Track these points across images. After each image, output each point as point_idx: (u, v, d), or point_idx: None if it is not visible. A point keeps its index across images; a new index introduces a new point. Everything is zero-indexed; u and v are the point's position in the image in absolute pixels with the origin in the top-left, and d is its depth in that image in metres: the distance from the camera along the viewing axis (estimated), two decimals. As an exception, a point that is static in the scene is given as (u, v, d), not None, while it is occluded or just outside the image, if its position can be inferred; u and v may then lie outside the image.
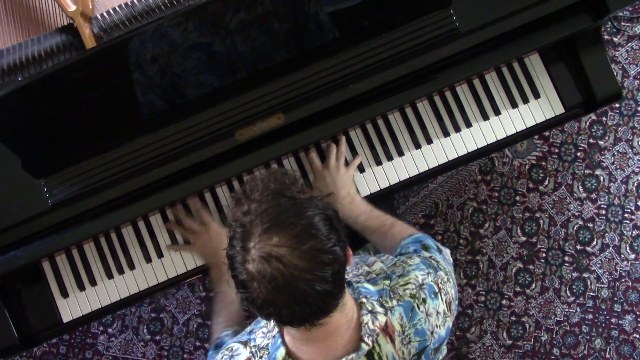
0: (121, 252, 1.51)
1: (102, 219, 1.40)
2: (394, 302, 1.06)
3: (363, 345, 1.01)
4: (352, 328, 1.02)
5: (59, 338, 2.14)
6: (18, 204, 1.36)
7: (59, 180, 1.35)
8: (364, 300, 1.05)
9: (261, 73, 1.34)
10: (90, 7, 1.38)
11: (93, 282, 1.50)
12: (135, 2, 1.38)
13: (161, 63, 1.30)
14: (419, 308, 1.06)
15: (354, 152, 1.52)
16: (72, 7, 1.37)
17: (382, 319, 1.03)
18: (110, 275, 1.50)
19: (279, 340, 1.04)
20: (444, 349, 1.15)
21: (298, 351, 1.03)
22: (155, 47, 1.28)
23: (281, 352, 1.03)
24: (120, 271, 1.50)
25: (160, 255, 1.51)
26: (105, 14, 1.39)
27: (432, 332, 1.08)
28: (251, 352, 1.07)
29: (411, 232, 1.32)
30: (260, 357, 1.05)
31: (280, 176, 0.97)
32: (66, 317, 1.50)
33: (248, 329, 1.15)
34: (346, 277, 1.11)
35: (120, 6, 1.38)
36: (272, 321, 1.06)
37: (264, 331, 1.09)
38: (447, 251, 1.25)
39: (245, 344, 1.09)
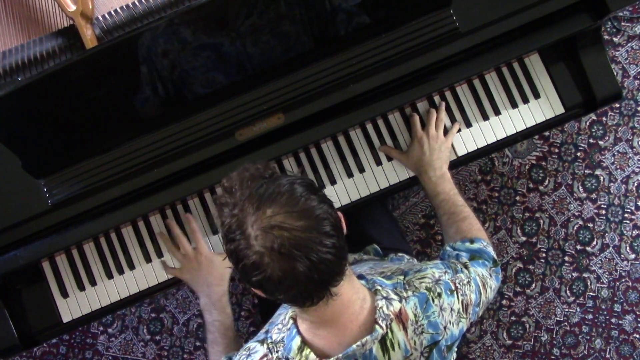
0: (121, 252, 1.51)
1: (102, 219, 1.40)
2: (409, 292, 1.08)
3: (377, 327, 1.02)
4: (366, 310, 1.04)
5: (59, 338, 2.14)
6: (18, 204, 1.36)
7: (59, 180, 1.35)
8: (378, 288, 1.06)
9: (261, 73, 1.34)
10: (90, 7, 1.38)
11: (93, 282, 1.50)
12: (137, 3, 1.38)
13: (161, 63, 1.30)
14: (433, 301, 1.08)
15: (353, 152, 1.52)
16: (72, 7, 1.37)
17: (396, 305, 1.05)
18: (110, 276, 1.50)
19: (294, 331, 1.05)
20: (455, 351, 1.15)
21: (314, 337, 1.04)
22: (155, 47, 1.28)
23: (297, 341, 1.04)
24: (120, 271, 1.50)
25: (160, 255, 1.51)
26: (106, 15, 1.39)
27: (445, 327, 1.08)
28: (268, 348, 1.08)
29: (475, 235, 1.33)
30: (277, 352, 1.06)
31: (252, 165, 1.01)
32: (66, 317, 1.50)
33: (264, 329, 1.16)
34: (360, 272, 1.13)
35: (121, 7, 1.38)
36: (289, 309, 1.08)
37: (279, 327, 1.10)
38: (499, 270, 1.28)
39: (262, 342, 1.10)
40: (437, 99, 1.52)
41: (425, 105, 1.52)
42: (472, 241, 1.29)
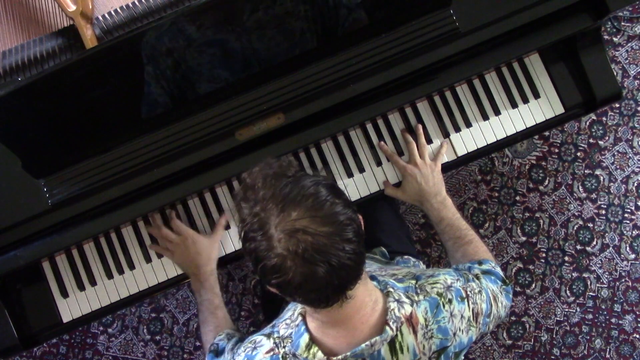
0: (121, 252, 1.51)
1: (102, 219, 1.40)
2: (421, 297, 1.08)
3: (387, 329, 1.02)
4: (377, 311, 1.04)
5: (59, 338, 2.14)
6: (18, 204, 1.36)
7: (59, 180, 1.35)
8: (391, 290, 1.06)
9: (261, 73, 1.34)
10: (90, 7, 1.38)
11: (93, 282, 1.50)
12: (137, 3, 1.38)
13: (161, 63, 1.30)
14: (444, 307, 1.08)
15: (353, 152, 1.52)
16: (72, 7, 1.37)
17: (407, 308, 1.05)
18: (110, 275, 1.50)
19: (303, 328, 1.05)
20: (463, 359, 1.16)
21: (323, 336, 1.04)
22: (155, 47, 1.28)
23: (305, 338, 1.04)
24: (120, 271, 1.50)
25: (160, 255, 1.50)
26: (106, 15, 1.39)
27: (454, 334, 1.08)
28: (275, 342, 1.07)
29: (483, 257, 1.33)
30: (284, 347, 1.06)
31: (275, 162, 1.00)
32: (66, 317, 1.50)
33: (271, 323, 1.16)
34: (371, 272, 1.13)
35: (121, 7, 1.39)
36: (298, 306, 1.07)
37: (287, 322, 1.10)
38: (509, 289, 1.28)
39: (268, 336, 1.09)
40: (437, 99, 1.52)
41: (426, 105, 1.52)
42: (480, 263, 1.29)
